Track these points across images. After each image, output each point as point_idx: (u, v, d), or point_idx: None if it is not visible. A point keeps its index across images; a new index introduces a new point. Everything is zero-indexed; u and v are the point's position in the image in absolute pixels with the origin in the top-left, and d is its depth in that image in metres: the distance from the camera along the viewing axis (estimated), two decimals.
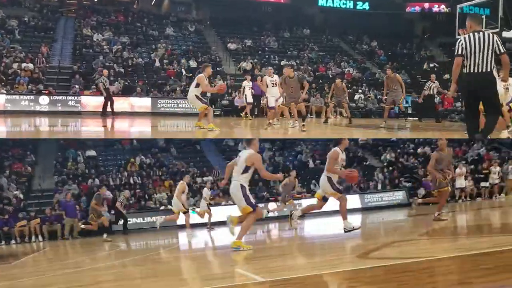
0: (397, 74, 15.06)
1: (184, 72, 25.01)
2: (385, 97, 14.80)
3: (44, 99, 20.84)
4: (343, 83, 17.47)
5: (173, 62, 25.72)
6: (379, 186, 21.40)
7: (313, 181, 20.74)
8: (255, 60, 27.41)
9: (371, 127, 15.81)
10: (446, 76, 26.12)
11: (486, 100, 6.71)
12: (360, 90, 26.70)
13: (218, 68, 25.83)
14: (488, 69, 6.53)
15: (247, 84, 19.43)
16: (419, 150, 23.51)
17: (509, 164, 19.61)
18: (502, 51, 6.55)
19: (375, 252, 6.72)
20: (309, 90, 25.42)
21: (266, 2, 32.92)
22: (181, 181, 14.22)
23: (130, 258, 9.47)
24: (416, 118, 20.70)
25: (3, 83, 21.25)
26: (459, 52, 6.57)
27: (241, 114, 19.73)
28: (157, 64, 25.27)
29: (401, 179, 21.67)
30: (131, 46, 26.48)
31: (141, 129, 15.67)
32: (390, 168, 22.51)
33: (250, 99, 19.24)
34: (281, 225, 15.26)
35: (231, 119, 19.99)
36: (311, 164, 23.20)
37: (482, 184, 19.06)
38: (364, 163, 23.64)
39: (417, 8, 33.60)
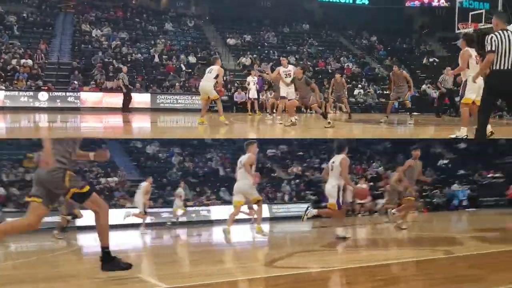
0: (403, 71, 15.12)
1: (183, 68, 24.98)
2: (392, 93, 14.84)
3: (43, 95, 20.80)
4: (342, 78, 17.42)
5: (172, 57, 25.68)
6: (286, 198, 21.82)
7: (223, 188, 20.78)
8: (255, 55, 27.36)
9: (371, 122, 15.81)
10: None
11: None
12: (359, 85, 26.68)
13: None
14: None
15: (251, 79, 19.19)
16: (323, 165, 24.23)
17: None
18: None
19: (280, 261, 6.92)
20: None
21: None
22: (146, 182, 14.51)
23: (22, 260, 8.84)
24: (416, 113, 20.64)
25: (2, 79, 21.20)
26: (493, 48, 6.68)
27: (250, 113, 19.21)
28: (156, 59, 25.23)
29: (307, 192, 22.27)
30: (130, 41, 26.43)
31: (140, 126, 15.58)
32: (297, 180, 22.98)
33: (254, 95, 19.05)
34: (190, 230, 14.95)
35: (230, 114, 19.94)
36: (221, 172, 22.85)
37: (379, 201, 19.79)
38: (272, 174, 23.77)
39: (417, 3, 33.52)
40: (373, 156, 25.85)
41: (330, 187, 8.83)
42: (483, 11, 23.45)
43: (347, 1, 33.07)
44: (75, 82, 22.10)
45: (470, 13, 23.82)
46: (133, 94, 22.20)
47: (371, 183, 21.82)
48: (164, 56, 25.61)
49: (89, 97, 21.69)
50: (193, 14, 31.49)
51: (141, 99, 22.20)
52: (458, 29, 23.92)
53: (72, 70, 22.83)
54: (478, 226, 12.32)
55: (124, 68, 19.41)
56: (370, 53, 31.29)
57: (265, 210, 19.57)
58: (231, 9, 31.07)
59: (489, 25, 22.68)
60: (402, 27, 33.91)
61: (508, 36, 6.70)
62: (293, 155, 25.69)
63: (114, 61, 24.11)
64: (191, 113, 18.63)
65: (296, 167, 24.02)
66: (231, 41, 28.81)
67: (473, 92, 8.64)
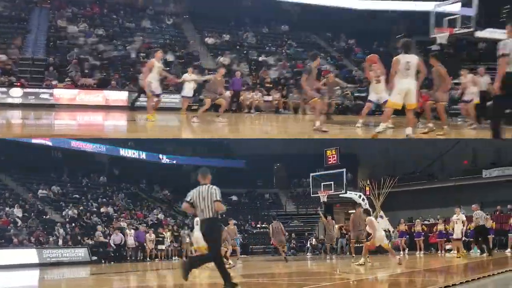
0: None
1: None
2: None
3: (16, 91, 20.36)
4: (336, 79, 17.27)
5: (149, 55, 25.32)
6: (60, 242, 20.87)
7: None
8: (233, 55, 27.25)
9: (350, 124, 15.93)
10: None
11: None
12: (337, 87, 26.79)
13: (195, 62, 25.64)
14: None
15: (188, 77, 17.09)
16: (102, 209, 25.05)
17: (185, 229, 22.95)
18: None
19: None
20: (287, 86, 25.49)
21: None
22: None
23: None
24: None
25: None
26: (506, 52, 7.15)
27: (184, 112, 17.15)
28: (133, 57, 24.92)
29: (84, 236, 21.99)
30: (107, 38, 26.07)
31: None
32: (72, 224, 22.30)
33: (189, 93, 17.10)
34: None
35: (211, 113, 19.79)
36: None
37: (159, 246, 21.29)
38: (44, 216, 22.97)
39: None
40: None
41: (383, 233, 12.66)
42: (459, 16, 23.84)
43: (327, 4, 33.17)
44: (50, 78, 21.70)
45: (445, 18, 24.19)
46: (108, 92, 22.03)
47: (152, 229, 22.82)
48: (141, 54, 25.31)
49: (64, 94, 21.32)
50: (171, 11, 31.21)
51: (117, 97, 21.95)
52: (434, 33, 24.27)
53: (47, 67, 22.41)
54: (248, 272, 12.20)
55: None
56: (348, 56, 31.47)
57: (34, 255, 18.17)
58: (210, 7, 30.86)
59: (463, 30, 23.07)
60: (380, 31, 34.13)
61: None
62: (68, 197, 25.49)
63: (90, 57, 23.74)
64: (167, 112, 18.47)
65: (72, 209, 23.35)
66: (209, 40, 28.66)
67: (399, 95, 9.32)
